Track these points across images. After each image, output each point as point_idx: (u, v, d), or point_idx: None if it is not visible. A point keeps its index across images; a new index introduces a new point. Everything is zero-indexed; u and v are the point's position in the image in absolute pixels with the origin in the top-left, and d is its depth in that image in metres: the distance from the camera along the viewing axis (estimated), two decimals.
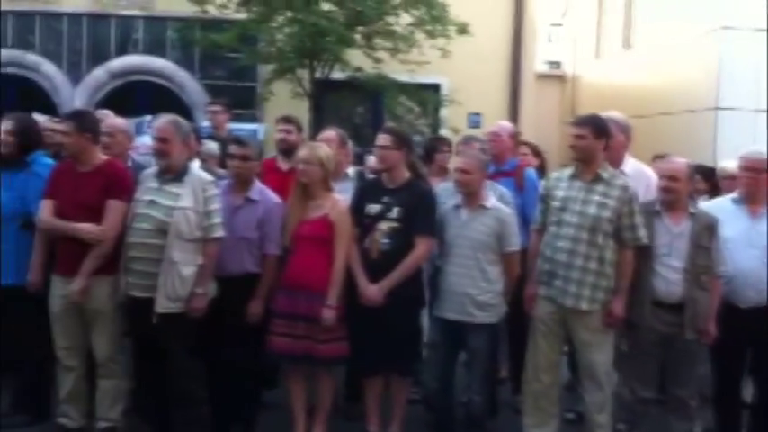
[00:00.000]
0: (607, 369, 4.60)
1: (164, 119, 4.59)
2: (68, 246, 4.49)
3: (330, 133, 5.32)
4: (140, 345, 4.61)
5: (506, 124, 6.01)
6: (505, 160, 5.49)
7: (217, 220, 4.49)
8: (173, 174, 4.47)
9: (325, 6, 9.74)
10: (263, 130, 10.30)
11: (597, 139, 4.53)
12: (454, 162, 5.03)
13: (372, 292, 4.56)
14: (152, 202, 4.43)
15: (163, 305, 4.35)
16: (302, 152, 4.73)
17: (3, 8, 11.45)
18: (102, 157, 4.64)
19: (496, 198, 4.80)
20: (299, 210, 4.67)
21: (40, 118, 5.63)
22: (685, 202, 4.60)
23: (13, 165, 4.82)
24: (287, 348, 4.58)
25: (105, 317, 4.53)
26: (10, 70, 11.51)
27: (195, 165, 4.75)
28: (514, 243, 4.67)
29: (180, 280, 4.37)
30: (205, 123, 8.16)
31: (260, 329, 4.64)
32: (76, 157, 4.59)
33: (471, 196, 4.66)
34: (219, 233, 4.50)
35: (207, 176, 4.61)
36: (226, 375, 4.67)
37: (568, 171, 4.65)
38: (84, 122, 4.61)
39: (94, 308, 4.51)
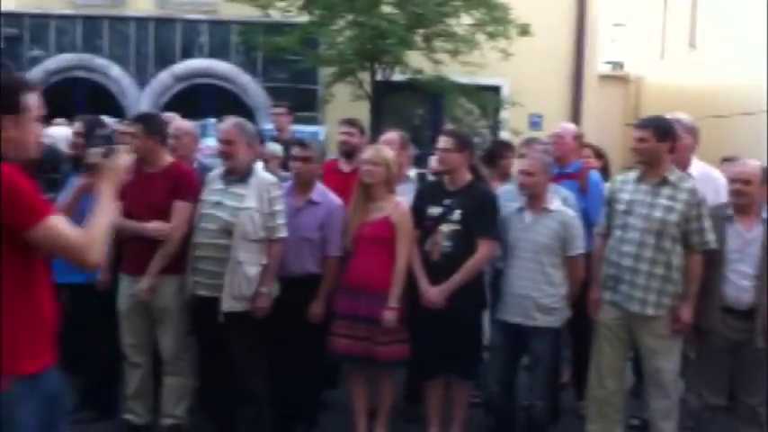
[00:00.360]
0: (673, 376, 4.50)
1: (229, 121, 4.67)
2: (136, 245, 4.59)
3: (392, 135, 5.34)
4: (205, 343, 4.69)
5: (570, 126, 5.94)
6: (569, 162, 5.42)
7: (281, 220, 4.54)
8: (238, 175, 4.53)
9: (386, 9, 9.78)
10: (323, 132, 10.37)
11: (660, 142, 4.42)
12: (517, 164, 4.99)
13: (434, 294, 4.55)
14: (218, 203, 4.50)
15: (228, 304, 4.41)
16: (367, 153, 4.74)
17: (73, 13, 11.77)
18: (168, 158, 4.73)
19: (560, 201, 4.74)
20: (361, 211, 4.68)
21: (108, 120, 5.76)
22: (758, 207, 4.48)
23: (82, 166, 4.94)
24: (347, 350, 4.60)
25: (171, 315, 4.61)
26: (79, 74, 11.83)
27: (259, 166, 4.81)
28: (578, 246, 4.61)
29: (245, 279, 4.43)
30: (268, 126, 8.26)
31: (321, 329, 4.67)
32: (144, 159, 4.67)
33: (535, 198, 4.62)
34: (283, 234, 4.54)
35: (271, 178, 4.67)
36: (288, 375, 4.71)
37: (634, 174, 4.57)
38: (151, 125, 4.70)
39: (161, 306, 4.59)
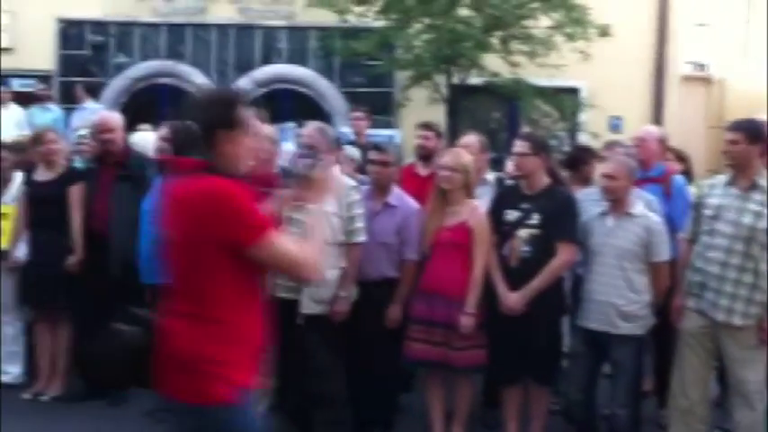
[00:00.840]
0: (759, 387, 4.35)
1: (311, 126, 4.71)
2: None
3: (470, 138, 5.32)
4: (284, 345, 4.74)
5: (653, 128, 5.81)
6: (652, 166, 5.29)
7: (359, 224, 4.57)
8: None
9: (463, 12, 9.75)
10: (399, 136, 10.41)
11: (752, 145, 4.29)
12: (599, 167, 4.91)
13: (513, 299, 4.51)
14: (299, 207, 4.54)
15: (307, 307, 4.47)
16: (445, 158, 4.74)
17: (157, 21, 12.09)
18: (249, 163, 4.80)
19: (643, 205, 4.64)
20: (438, 216, 4.68)
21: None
22: None
23: (170, 170, 5.06)
24: (424, 354, 4.60)
25: None
26: (163, 80, 12.12)
27: (338, 170, 4.85)
28: (663, 252, 4.50)
29: (323, 283, 4.47)
30: (344, 129, 8.33)
31: (398, 333, 4.68)
32: None
33: (618, 203, 4.53)
34: (362, 238, 4.57)
35: (350, 182, 4.70)
36: (365, 378, 4.74)
37: (723, 178, 4.44)
38: None
39: None
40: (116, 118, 5.47)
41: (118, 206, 5.15)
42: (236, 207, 2.45)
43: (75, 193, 5.23)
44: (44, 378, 5.45)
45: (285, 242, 2.51)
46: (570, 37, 9.78)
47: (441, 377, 4.76)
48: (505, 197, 4.83)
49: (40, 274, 5.24)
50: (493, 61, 10.00)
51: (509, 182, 5.41)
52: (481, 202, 4.76)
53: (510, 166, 5.54)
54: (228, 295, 2.50)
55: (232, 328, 2.50)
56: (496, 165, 6.25)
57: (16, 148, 5.75)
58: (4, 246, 5.34)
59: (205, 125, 2.57)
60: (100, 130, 5.34)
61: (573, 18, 9.74)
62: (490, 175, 5.51)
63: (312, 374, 4.57)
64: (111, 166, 5.26)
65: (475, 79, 10.26)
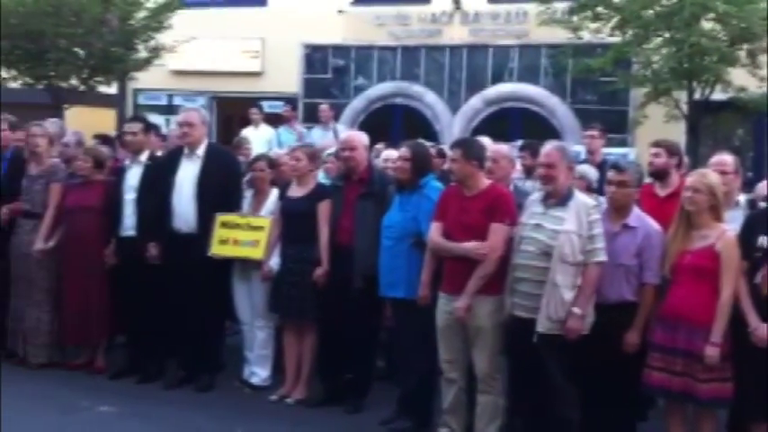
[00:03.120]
0: None
1: (550, 145, 4.70)
2: (454, 265, 4.78)
3: (726, 157, 5.04)
4: (518, 364, 4.74)
5: None
6: None
7: (599, 244, 4.48)
8: (557, 198, 4.55)
9: (707, 25, 9.30)
10: (633, 154, 10.08)
11: None
12: None
13: (765, 331, 4.22)
14: (537, 226, 4.55)
15: (543, 326, 4.44)
16: (690, 179, 4.54)
17: (394, 43, 12.58)
18: (486, 181, 4.87)
19: None
20: (682, 238, 4.48)
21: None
22: None
23: (407, 187, 5.26)
24: (664, 384, 4.42)
25: (487, 334, 4.72)
26: (397, 100, 12.61)
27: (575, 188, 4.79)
28: None
29: (561, 302, 4.43)
30: (576, 147, 8.19)
31: (636, 359, 4.52)
32: (463, 182, 4.86)
33: None
34: (601, 258, 4.48)
35: (590, 201, 4.63)
36: (599, 403, 4.62)
37: None
38: (471, 150, 4.88)
39: (477, 325, 4.72)
40: (360, 136, 5.74)
41: (361, 222, 5.41)
42: None
43: (324, 208, 5.55)
44: (289, 382, 5.80)
45: None
46: None
47: (682, 409, 4.54)
48: (758, 221, 4.53)
49: (289, 283, 5.60)
50: (740, 75, 9.44)
51: (762, 205, 5.08)
52: (731, 226, 4.49)
53: (760, 188, 5.19)
54: None
55: None
56: (746, 186, 5.88)
57: (273, 164, 6.17)
58: (261, 256, 5.75)
59: None
60: (344, 147, 5.62)
61: None
62: (742, 198, 5.19)
63: (546, 393, 4.53)
64: (356, 183, 5.54)
65: (718, 95, 9.73)
